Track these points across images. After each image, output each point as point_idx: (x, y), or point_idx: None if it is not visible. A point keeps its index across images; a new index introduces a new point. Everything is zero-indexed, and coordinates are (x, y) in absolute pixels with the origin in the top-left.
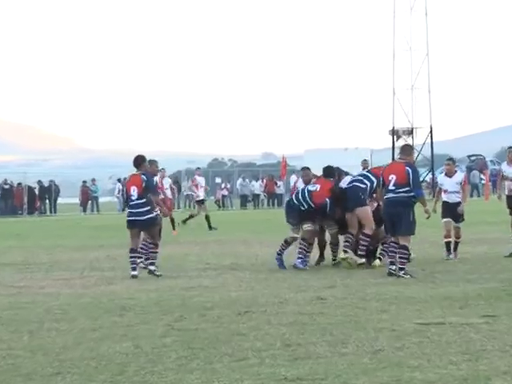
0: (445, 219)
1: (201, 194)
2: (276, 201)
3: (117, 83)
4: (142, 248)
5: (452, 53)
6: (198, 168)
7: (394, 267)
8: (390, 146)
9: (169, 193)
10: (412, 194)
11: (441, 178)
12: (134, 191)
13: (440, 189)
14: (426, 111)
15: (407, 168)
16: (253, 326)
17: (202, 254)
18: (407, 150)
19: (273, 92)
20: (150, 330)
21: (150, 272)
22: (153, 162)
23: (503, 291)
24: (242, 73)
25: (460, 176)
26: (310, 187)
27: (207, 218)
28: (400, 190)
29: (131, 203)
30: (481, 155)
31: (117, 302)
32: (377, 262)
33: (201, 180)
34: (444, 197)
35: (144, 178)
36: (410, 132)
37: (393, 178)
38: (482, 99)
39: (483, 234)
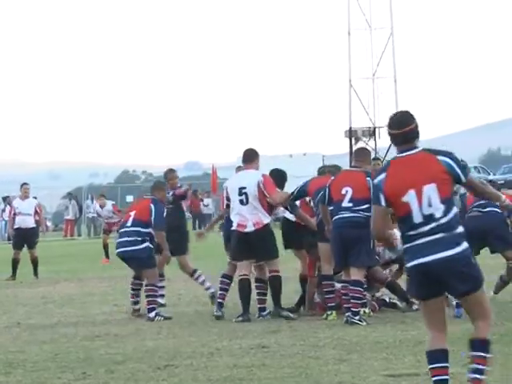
0: None
1: None
2: (202, 223)
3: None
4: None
5: (422, 33)
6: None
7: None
8: (347, 150)
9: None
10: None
11: None
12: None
13: None
14: (392, 106)
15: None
16: (175, 383)
17: (110, 293)
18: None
19: (198, 88)
20: None
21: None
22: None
23: (495, 331)
24: (162, 68)
25: None
26: None
27: None
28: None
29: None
30: (462, 161)
31: (1, 358)
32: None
33: None
34: None
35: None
36: (372, 133)
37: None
38: (460, 91)
39: None
